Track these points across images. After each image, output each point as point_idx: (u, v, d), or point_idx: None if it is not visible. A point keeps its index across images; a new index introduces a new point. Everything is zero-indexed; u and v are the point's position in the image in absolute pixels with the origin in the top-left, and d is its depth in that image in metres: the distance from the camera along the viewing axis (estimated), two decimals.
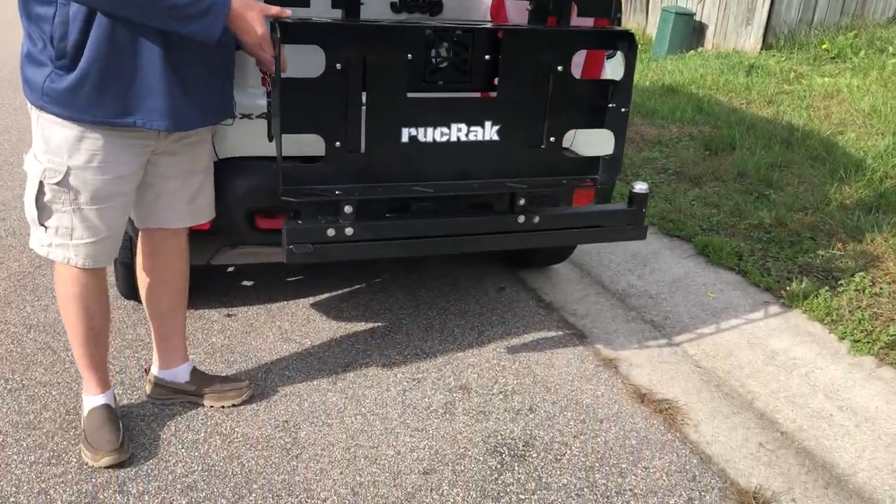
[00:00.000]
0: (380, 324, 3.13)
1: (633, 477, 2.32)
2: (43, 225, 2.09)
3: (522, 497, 2.22)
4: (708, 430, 2.57)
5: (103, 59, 1.88)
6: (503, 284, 3.55)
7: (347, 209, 2.16)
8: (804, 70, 7.09)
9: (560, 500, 2.21)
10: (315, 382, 2.71)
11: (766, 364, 2.91)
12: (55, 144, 2.00)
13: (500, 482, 2.27)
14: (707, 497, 2.25)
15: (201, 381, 2.56)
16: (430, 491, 2.23)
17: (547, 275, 3.66)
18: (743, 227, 3.90)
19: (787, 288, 3.30)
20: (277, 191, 2.13)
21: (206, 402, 2.54)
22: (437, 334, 3.08)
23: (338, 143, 2.12)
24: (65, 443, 2.35)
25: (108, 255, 2.19)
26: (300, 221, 2.22)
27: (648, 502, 2.22)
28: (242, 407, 2.56)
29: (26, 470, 2.23)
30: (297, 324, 3.10)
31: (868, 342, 2.90)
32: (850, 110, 5.85)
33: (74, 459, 2.28)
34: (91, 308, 2.23)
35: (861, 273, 3.35)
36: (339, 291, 3.39)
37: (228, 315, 3.15)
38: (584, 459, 2.39)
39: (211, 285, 3.35)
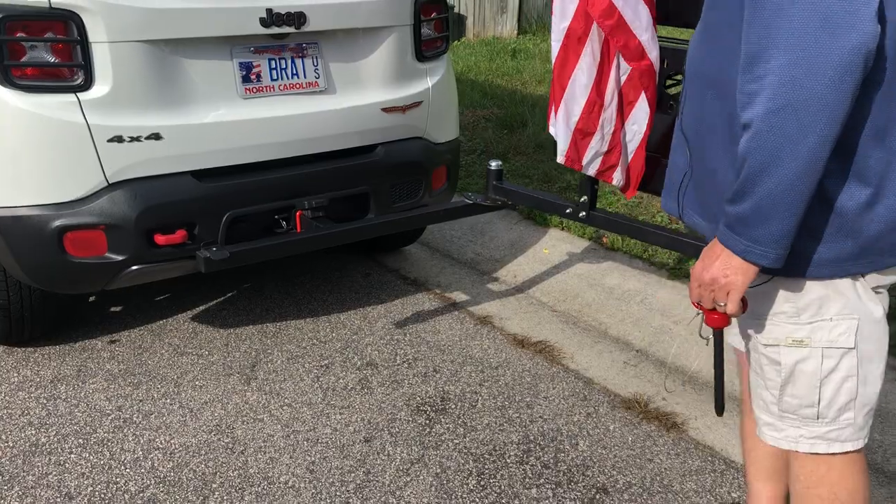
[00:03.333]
0: (267, 324, 3.28)
1: (538, 406, 2.72)
2: None
3: (457, 441, 2.53)
4: (581, 359, 3.03)
5: None
6: (367, 271, 3.82)
7: None
8: None
9: (488, 437, 2.56)
10: (229, 386, 2.83)
11: (608, 299, 3.45)
12: None
13: (433, 434, 2.57)
14: (601, 409, 2.71)
15: None
16: (378, 454, 2.47)
17: (402, 256, 3.97)
18: (556, 190, 4.46)
19: (606, 237, 3.88)
20: (172, 208, 2.30)
21: None
22: (325, 324, 3.29)
23: None
24: None
25: None
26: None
27: (557, 423, 2.63)
28: (167, 419, 2.63)
29: None
30: (186, 338, 3.17)
31: (681, 268, 3.53)
32: None
33: None
34: None
35: (663, 214, 4.02)
36: (214, 302, 3.48)
37: (112, 341, 3.14)
38: (494, 401, 2.75)
39: (84, 315, 3.30)
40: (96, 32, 2.42)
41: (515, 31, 8.69)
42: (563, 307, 3.44)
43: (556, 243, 3.95)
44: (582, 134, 2.42)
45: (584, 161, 2.48)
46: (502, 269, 3.81)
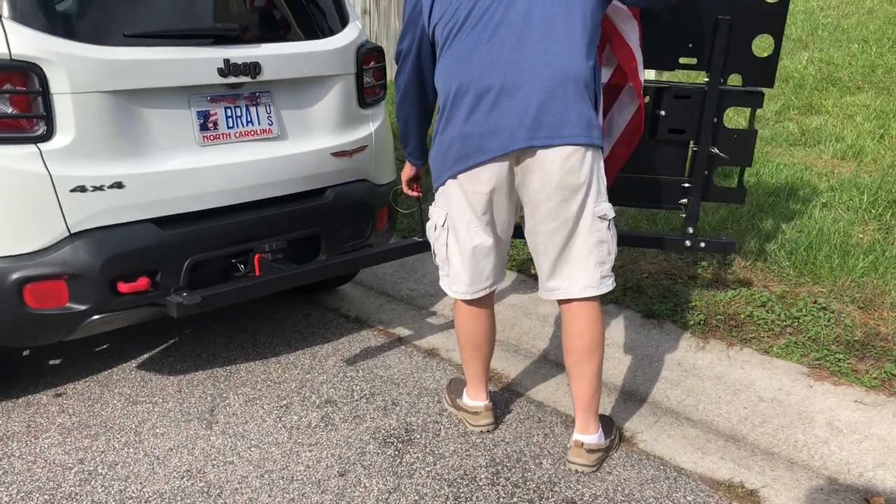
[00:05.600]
0: (217, 368, 3.29)
1: (499, 431, 2.87)
2: None
3: (429, 469, 2.64)
4: (528, 384, 3.21)
5: None
6: (307, 311, 3.88)
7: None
8: None
9: (457, 462, 2.68)
10: (192, 432, 2.83)
11: (543, 326, 3.66)
12: None
13: (404, 463, 2.67)
14: (556, 429, 2.88)
15: None
16: (354, 486, 2.55)
17: (340, 295, 4.06)
18: None
19: (534, 269, 4.10)
20: (135, 255, 2.48)
21: None
22: (276, 365, 3.33)
23: None
24: None
25: None
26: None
27: (519, 444, 2.78)
28: (135, 468, 2.61)
29: None
30: (137, 387, 3.14)
31: (606, 296, 3.78)
32: None
33: None
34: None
35: None
36: (158, 349, 3.45)
37: (58, 394, 3.07)
38: (456, 429, 2.88)
39: (23, 369, 3.20)
40: (58, 83, 2.43)
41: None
42: (503, 336, 3.61)
43: None
44: None
45: None
46: (438, 303, 3.96)
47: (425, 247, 3.21)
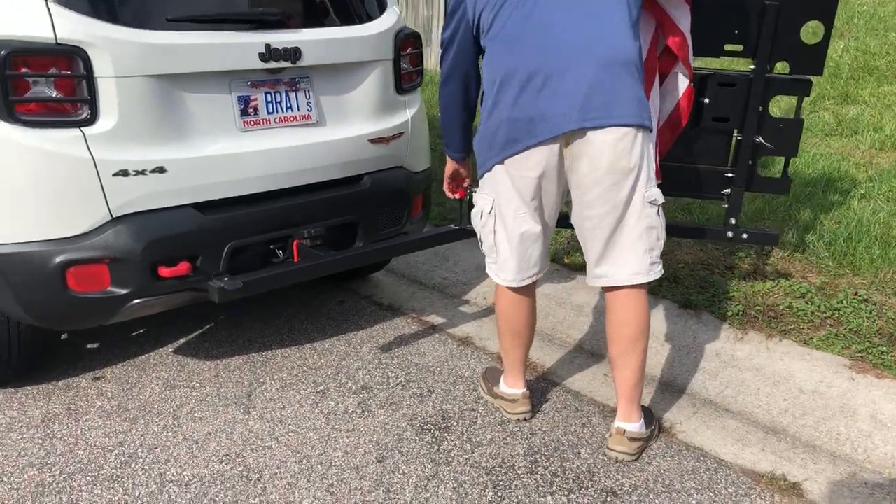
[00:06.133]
0: (253, 354, 3.30)
1: (536, 420, 2.86)
2: None
3: (467, 457, 2.63)
4: (564, 373, 3.19)
5: None
6: (341, 298, 3.88)
7: None
8: None
9: (495, 450, 2.67)
10: (230, 416, 2.84)
11: (578, 316, 3.63)
12: None
13: (442, 451, 2.67)
14: (594, 419, 2.86)
15: None
16: (393, 473, 2.55)
17: (372, 283, 4.05)
18: None
19: (567, 257, 4.07)
20: (177, 240, 2.49)
21: None
22: (311, 352, 3.33)
23: None
24: None
25: None
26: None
27: (557, 434, 2.76)
28: (174, 451, 2.63)
29: None
30: (174, 371, 3.15)
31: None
32: None
33: None
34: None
35: None
36: (195, 334, 3.47)
37: (97, 378, 3.09)
38: (492, 417, 2.87)
39: (62, 353, 3.23)
40: (102, 67, 2.44)
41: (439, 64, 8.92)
42: (537, 326, 3.59)
43: None
44: None
45: None
46: (471, 292, 3.95)
47: (462, 234, 3.20)
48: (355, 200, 3.08)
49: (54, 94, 2.43)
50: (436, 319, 3.66)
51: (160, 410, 2.87)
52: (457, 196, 3.04)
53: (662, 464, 2.60)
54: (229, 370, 3.17)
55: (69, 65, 2.42)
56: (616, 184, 2.35)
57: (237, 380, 3.09)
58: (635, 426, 2.60)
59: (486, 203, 2.54)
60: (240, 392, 3.00)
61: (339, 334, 3.49)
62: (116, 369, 3.16)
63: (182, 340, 3.40)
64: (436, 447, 2.68)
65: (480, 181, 2.59)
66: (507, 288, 2.65)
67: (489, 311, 3.74)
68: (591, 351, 3.36)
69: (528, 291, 2.67)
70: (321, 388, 3.05)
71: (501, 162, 2.41)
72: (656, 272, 2.50)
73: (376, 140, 3.13)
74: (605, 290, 2.56)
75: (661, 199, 2.43)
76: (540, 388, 3.06)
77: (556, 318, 3.63)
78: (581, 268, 3.90)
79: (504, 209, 2.49)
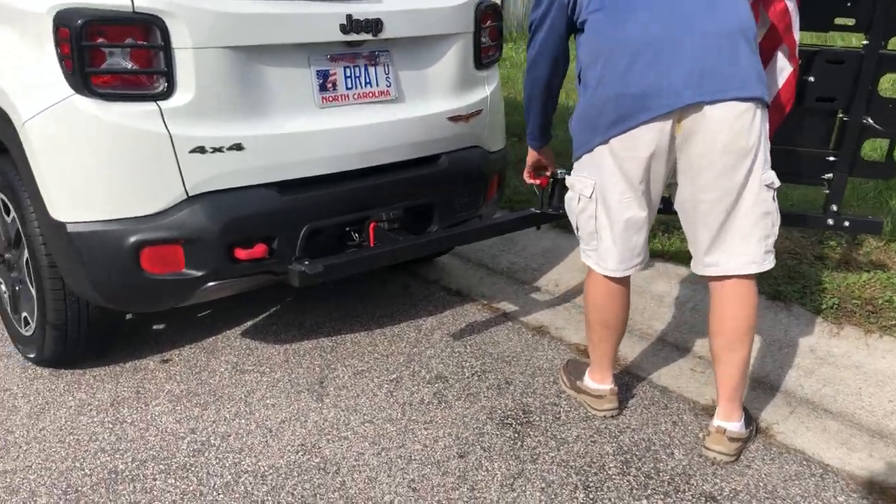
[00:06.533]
0: (323, 339, 3.19)
1: (623, 417, 2.70)
2: None
3: (553, 454, 2.49)
4: (649, 367, 3.03)
5: None
6: (407, 283, 3.75)
7: None
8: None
9: (582, 448, 2.52)
10: (302, 404, 2.74)
11: (659, 306, 3.46)
12: None
13: (526, 447, 2.53)
14: (685, 417, 2.70)
15: None
16: (476, 470, 2.42)
17: (438, 267, 3.92)
18: None
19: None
20: (253, 221, 2.40)
21: None
22: (381, 338, 3.21)
23: None
24: None
25: None
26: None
27: (647, 432, 2.61)
28: (248, 440, 2.53)
29: None
30: (243, 355, 3.06)
31: None
32: None
33: None
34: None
35: None
36: (262, 317, 3.37)
37: (165, 360, 3.01)
38: (577, 412, 2.72)
39: (128, 334, 3.16)
40: (180, 38, 2.32)
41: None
42: None
43: None
44: None
45: None
46: (542, 278, 3.79)
47: (544, 218, 3.05)
48: (432, 182, 2.94)
49: (130, 65, 2.32)
50: (507, 306, 3.51)
51: (231, 396, 2.78)
52: (538, 184, 2.89)
53: (763, 467, 2.44)
54: (299, 355, 3.06)
55: (146, 34, 2.30)
56: (733, 166, 2.17)
57: (307, 365, 2.98)
58: (736, 425, 2.44)
59: (586, 187, 2.38)
60: (311, 378, 2.89)
61: (409, 320, 3.37)
62: (184, 352, 3.07)
63: (249, 323, 3.31)
64: (519, 443, 2.55)
65: (577, 163, 2.43)
66: (605, 278, 2.49)
67: (562, 298, 3.58)
68: (674, 343, 3.19)
69: (624, 282, 2.51)
70: (394, 376, 2.93)
71: (606, 142, 2.25)
72: (770, 261, 2.33)
73: (455, 118, 2.98)
74: (712, 279, 2.39)
75: (777, 182, 2.25)
76: (624, 382, 2.90)
77: (635, 308, 3.44)
78: (661, 254, 3.72)
79: (607, 194, 2.33)
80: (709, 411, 2.72)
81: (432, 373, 2.95)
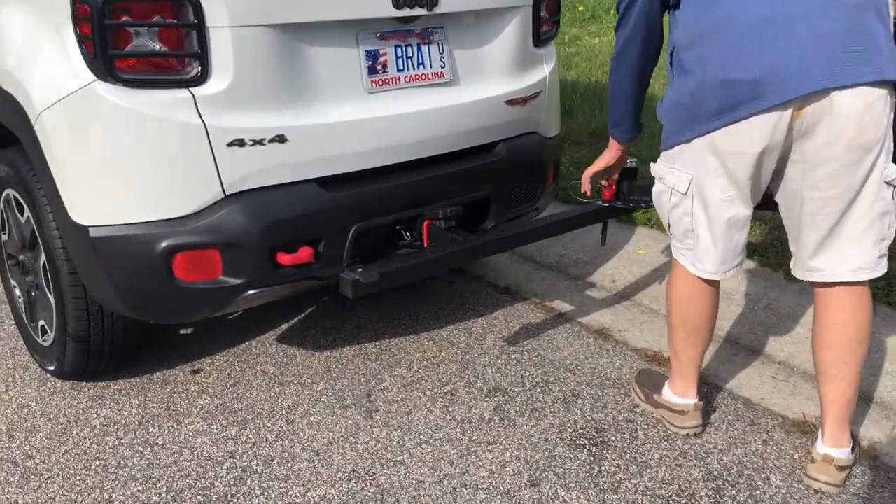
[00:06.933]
0: (365, 344, 2.93)
1: (707, 435, 2.43)
2: None
3: (635, 481, 2.23)
4: (726, 375, 2.74)
5: None
6: (450, 278, 3.48)
7: None
8: (574, 32, 7.66)
9: (667, 474, 2.26)
10: (350, 421, 2.48)
11: (728, 304, 3.16)
12: None
13: (605, 473, 2.26)
14: (775, 435, 2.42)
15: None
16: (553, 500, 2.15)
17: (483, 261, 3.63)
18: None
19: None
20: (299, 222, 2.10)
21: None
22: (429, 342, 2.95)
23: None
24: None
25: None
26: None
27: (736, 453, 2.34)
28: (293, 465, 2.27)
29: None
30: (280, 364, 2.79)
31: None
32: None
33: None
34: None
35: None
36: (297, 319, 3.11)
37: (195, 371, 2.75)
38: (655, 430, 2.45)
39: (155, 341, 2.89)
40: (215, 15, 2.03)
41: None
42: None
43: (649, 242, 3.66)
44: None
45: None
46: (596, 272, 3.51)
47: (613, 212, 2.76)
48: (490, 172, 2.65)
49: (159, 47, 2.03)
50: (562, 306, 3.24)
51: (271, 412, 2.52)
52: (602, 197, 2.65)
53: (874, 495, 2.17)
54: (341, 363, 2.79)
55: (177, 11, 2.01)
56: (856, 162, 1.88)
57: (352, 375, 2.72)
58: (845, 452, 2.16)
59: (681, 181, 2.09)
60: (357, 391, 2.63)
61: (457, 322, 3.09)
62: (216, 360, 2.81)
63: (284, 327, 3.04)
64: (596, 468, 2.28)
65: (666, 153, 2.13)
66: (699, 278, 2.20)
67: (621, 296, 3.30)
68: (749, 347, 2.91)
69: (715, 282, 2.23)
70: (448, 388, 2.66)
71: (706, 134, 1.95)
72: (883, 267, 2.05)
73: (513, 101, 2.68)
74: (817, 285, 2.11)
75: None
76: (703, 394, 2.63)
77: None
78: None
79: (707, 191, 2.04)
80: (800, 428, 2.45)
81: (489, 384, 2.69)
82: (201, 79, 2.05)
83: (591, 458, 2.32)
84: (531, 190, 2.83)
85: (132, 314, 2.30)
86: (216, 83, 2.07)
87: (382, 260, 2.44)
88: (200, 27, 2.02)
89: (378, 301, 3.24)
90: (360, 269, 2.21)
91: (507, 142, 2.72)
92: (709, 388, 2.67)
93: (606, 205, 2.72)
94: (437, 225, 2.49)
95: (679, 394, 2.41)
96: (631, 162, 2.74)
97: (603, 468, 2.28)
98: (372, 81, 2.34)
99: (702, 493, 2.18)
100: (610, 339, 2.99)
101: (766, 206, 2.26)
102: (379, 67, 2.35)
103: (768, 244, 3.47)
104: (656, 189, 2.22)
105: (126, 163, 2.06)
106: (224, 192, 2.14)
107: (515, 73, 2.71)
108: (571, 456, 2.33)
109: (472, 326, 3.06)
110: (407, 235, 2.53)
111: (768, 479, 2.24)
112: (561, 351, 2.89)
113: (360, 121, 2.30)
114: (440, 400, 2.59)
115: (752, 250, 3.45)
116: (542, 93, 2.82)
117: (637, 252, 3.60)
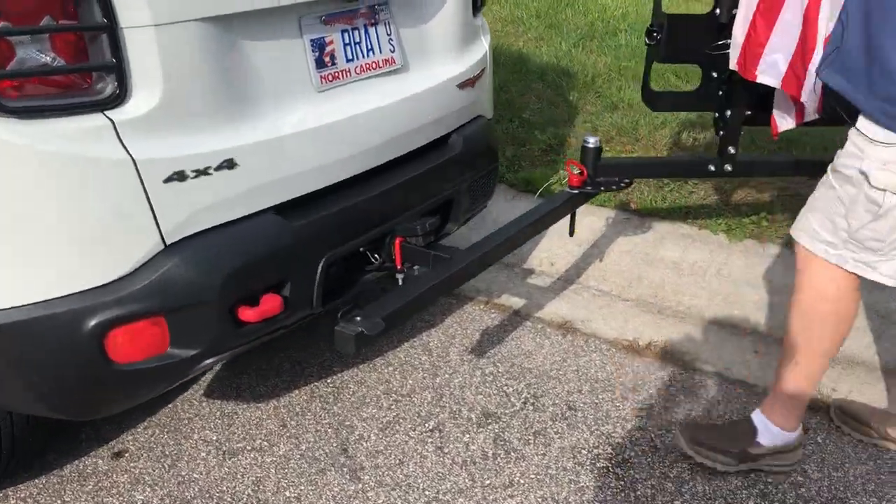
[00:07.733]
0: (315, 384, 2.49)
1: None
2: None
3: (678, 502, 2.00)
4: (711, 357, 2.60)
5: None
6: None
7: None
8: None
9: (704, 486, 2.05)
10: (336, 489, 2.07)
11: (678, 276, 3.03)
12: None
13: (643, 499, 2.02)
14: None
15: None
16: None
17: None
18: (537, 153, 3.92)
19: (635, 198, 3.43)
20: (261, 265, 1.71)
21: None
22: (387, 368, 2.56)
23: None
24: None
25: None
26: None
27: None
28: None
29: None
30: (221, 429, 2.31)
31: (738, 228, 3.17)
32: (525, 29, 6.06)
33: None
34: None
35: None
36: (217, 371, 2.59)
37: (117, 454, 2.21)
38: (670, 437, 2.24)
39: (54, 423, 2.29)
40: (131, 11, 1.50)
41: None
42: (634, 294, 2.97)
43: (578, 217, 3.43)
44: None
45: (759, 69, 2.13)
46: (531, 258, 3.25)
47: (584, 198, 2.50)
48: (449, 170, 2.29)
49: (54, 59, 1.47)
50: (511, 301, 2.95)
51: (234, 495, 2.05)
52: (570, 184, 2.45)
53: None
54: (296, 414, 2.35)
55: (75, 9, 1.46)
56: None
57: (315, 428, 2.29)
58: None
59: None
60: (330, 447, 2.21)
61: (409, 338, 2.72)
62: (139, 436, 2.26)
63: (209, 377, 2.52)
64: (631, 494, 2.04)
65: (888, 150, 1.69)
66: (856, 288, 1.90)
67: (566, 280, 3.07)
68: (720, 322, 2.78)
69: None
70: (431, 423, 2.30)
71: None
72: None
73: (464, 83, 2.32)
74: None
75: None
76: (695, 383, 2.45)
77: (651, 282, 3.01)
78: (653, 213, 3.28)
79: None
80: (811, 403, 2.32)
81: (475, 410, 2.36)
82: (120, 98, 1.52)
83: (622, 483, 2.07)
84: (487, 183, 2.50)
85: (55, 414, 1.75)
86: (141, 102, 1.54)
87: (353, 292, 2.03)
88: (112, 28, 1.48)
89: (308, 326, 2.79)
90: (357, 318, 1.78)
91: (459, 131, 2.36)
92: (704, 376, 2.49)
93: (577, 191, 2.45)
94: (419, 241, 2.10)
95: (790, 428, 2.06)
96: (594, 141, 2.48)
97: (639, 492, 2.04)
98: (321, 77, 1.88)
99: (742, 496, 1.99)
100: (577, 333, 2.74)
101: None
102: (327, 59, 1.90)
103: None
104: (870, 192, 1.72)
105: (28, 221, 1.50)
106: (164, 241, 1.63)
107: (461, 51, 2.34)
108: (600, 484, 2.07)
109: (429, 341, 2.70)
110: (375, 258, 2.12)
111: (805, 469, 2.10)
112: (534, 356, 2.61)
113: (316, 129, 1.85)
114: (429, 441, 2.23)
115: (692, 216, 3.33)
116: (485, 69, 2.47)
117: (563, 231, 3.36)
